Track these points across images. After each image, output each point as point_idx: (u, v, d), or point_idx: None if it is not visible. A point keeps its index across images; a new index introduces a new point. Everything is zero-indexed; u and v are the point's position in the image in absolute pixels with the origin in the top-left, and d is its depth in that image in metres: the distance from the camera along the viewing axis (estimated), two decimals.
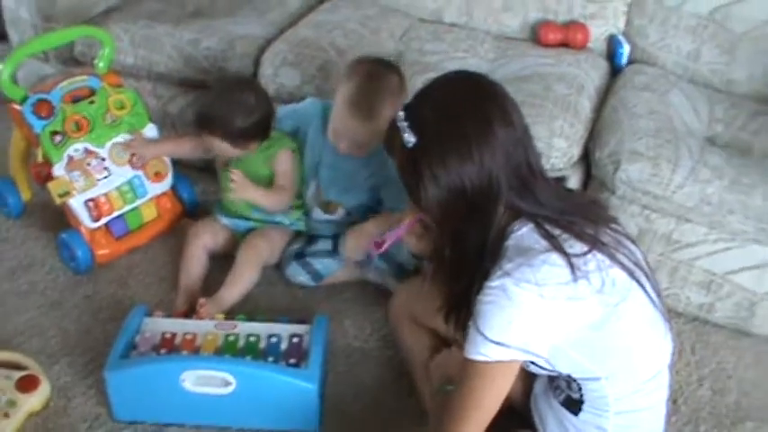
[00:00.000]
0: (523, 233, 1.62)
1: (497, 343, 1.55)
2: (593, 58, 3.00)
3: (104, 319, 2.48)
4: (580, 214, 1.69)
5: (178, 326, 2.25)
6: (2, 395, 2.13)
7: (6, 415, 2.09)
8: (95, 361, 2.30)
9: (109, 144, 2.63)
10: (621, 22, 3.07)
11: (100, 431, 2.14)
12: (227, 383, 2.05)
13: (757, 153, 2.58)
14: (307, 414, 2.11)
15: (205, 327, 2.24)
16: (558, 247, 1.58)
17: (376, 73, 2.39)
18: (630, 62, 3.06)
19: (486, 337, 1.55)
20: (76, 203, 2.57)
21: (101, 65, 2.70)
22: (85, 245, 2.61)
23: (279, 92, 2.80)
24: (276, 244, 2.66)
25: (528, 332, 1.56)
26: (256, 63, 2.91)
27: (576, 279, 1.55)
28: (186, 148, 2.70)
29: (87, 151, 2.59)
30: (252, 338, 2.20)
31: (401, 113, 1.66)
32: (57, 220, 2.72)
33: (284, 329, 2.23)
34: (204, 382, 2.06)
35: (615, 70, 3.04)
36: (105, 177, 2.62)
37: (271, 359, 2.13)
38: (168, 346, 2.18)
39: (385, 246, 1.96)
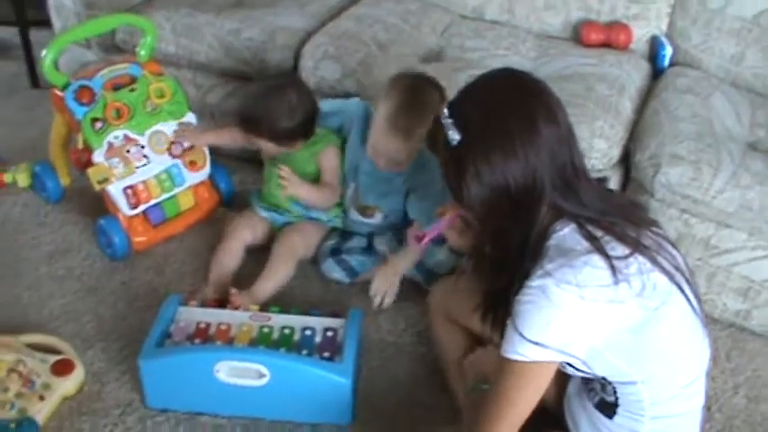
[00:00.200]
0: (565, 233, 1.60)
1: (535, 343, 1.54)
2: (635, 60, 2.97)
3: (140, 306, 2.49)
4: (622, 216, 1.67)
5: (212, 316, 2.25)
6: (37, 378, 2.16)
7: (42, 398, 2.12)
8: (129, 347, 2.32)
9: (149, 132, 2.65)
10: (664, 24, 3.04)
11: (133, 417, 2.15)
12: (262, 375, 2.06)
13: None
14: (340, 408, 2.11)
15: (240, 318, 2.25)
16: (599, 248, 1.56)
17: (417, 92, 2.35)
18: (672, 64, 3.03)
19: (524, 337, 1.54)
20: (115, 190, 2.59)
21: (142, 53, 2.72)
22: (123, 232, 2.62)
23: (319, 85, 2.80)
24: (311, 239, 2.66)
25: (566, 333, 1.55)
26: (297, 55, 2.91)
27: (616, 282, 1.54)
28: (229, 138, 2.71)
29: (127, 138, 2.61)
30: (286, 331, 2.20)
31: (445, 110, 1.65)
32: (95, 206, 2.74)
33: (318, 322, 2.23)
34: (238, 373, 2.07)
35: (657, 72, 3.01)
36: (144, 165, 2.64)
37: (305, 352, 2.13)
38: (202, 336, 2.19)
39: (425, 240, 1.96)
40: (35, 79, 3.67)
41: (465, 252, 1.95)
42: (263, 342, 2.16)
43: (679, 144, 2.46)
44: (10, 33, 3.89)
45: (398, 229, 2.61)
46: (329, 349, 2.15)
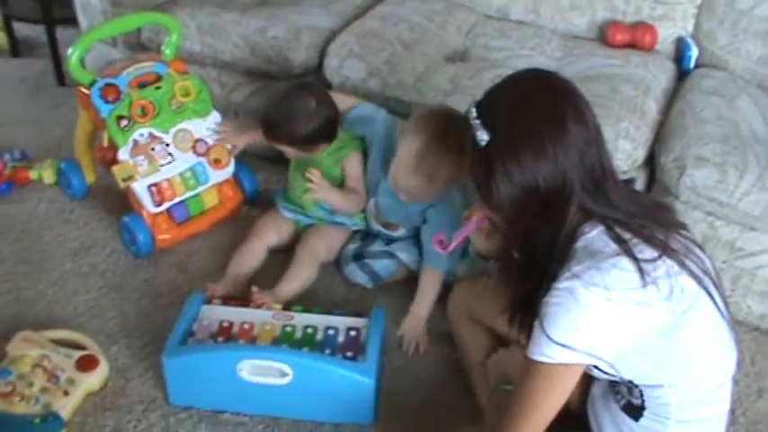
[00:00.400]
0: (593, 235, 1.60)
1: (562, 345, 1.54)
2: (660, 61, 2.95)
3: (163, 303, 2.50)
4: (650, 218, 1.66)
5: (235, 315, 2.26)
6: (62, 373, 2.17)
7: (66, 393, 2.13)
8: (153, 344, 2.33)
9: (173, 130, 2.66)
10: (690, 25, 3.02)
11: (156, 413, 2.16)
12: (284, 374, 2.06)
13: None
14: (362, 407, 2.11)
15: (262, 316, 2.25)
16: (628, 251, 1.56)
17: (445, 133, 2.26)
18: (698, 65, 3.01)
19: (551, 339, 1.54)
20: (139, 188, 2.60)
21: (167, 51, 2.73)
22: (147, 229, 2.64)
23: (344, 84, 2.81)
24: (333, 243, 2.66)
25: (594, 336, 1.55)
26: (322, 54, 2.91)
27: (644, 285, 1.53)
28: (258, 137, 2.69)
29: (152, 136, 2.62)
30: (309, 330, 2.20)
31: (473, 111, 1.64)
32: (119, 203, 2.75)
33: (341, 322, 2.23)
34: (261, 371, 2.07)
35: (682, 73, 2.99)
36: (169, 163, 2.64)
37: (328, 351, 2.13)
38: (225, 335, 2.19)
39: (451, 246, 1.95)
40: (61, 77, 3.69)
41: (491, 256, 1.94)
42: (286, 341, 2.17)
43: (704, 146, 2.44)
44: (36, 31, 3.90)
45: (419, 237, 2.58)
46: (352, 349, 2.15)
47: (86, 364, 2.20)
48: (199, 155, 2.71)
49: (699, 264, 1.65)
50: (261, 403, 2.14)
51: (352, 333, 2.20)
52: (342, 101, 2.62)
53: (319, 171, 2.49)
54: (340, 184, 2.60)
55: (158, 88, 2.64)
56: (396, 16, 3.06)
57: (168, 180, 2.65)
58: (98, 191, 2.93)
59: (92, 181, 2.93)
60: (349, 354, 2.13)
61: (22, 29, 3.97)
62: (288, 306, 2.33)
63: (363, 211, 2.65)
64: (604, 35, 3.05)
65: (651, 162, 2.62)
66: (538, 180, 1.56)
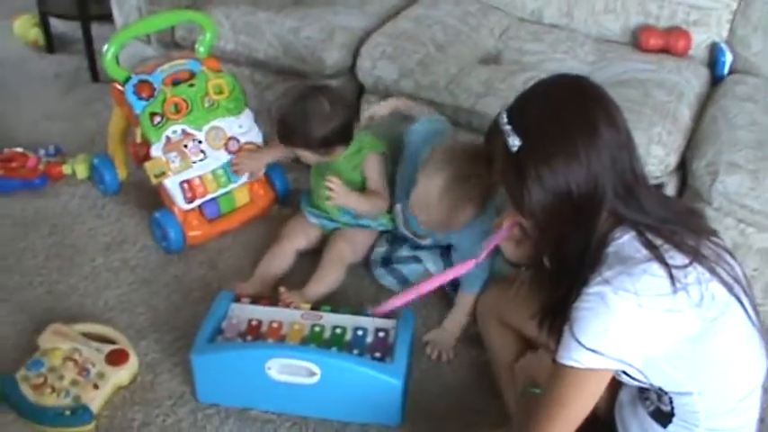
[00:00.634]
0: (625, 241, 1.59)
1: (591, 350, 1.53)
2: (694, 66, 2.93)
3: (193, 299, 2.52)
4: (682, 224, 1.65)
5: (264, 314, 2.26)
6: (92, 367, 2.19)
7: (96, 386, 2.15)
8: (182, 340, 2.34)
9: (206, 127, 2.67)
10: (725, 31, 2.99)
11: (184, 408, 2.18)
12: (313, 374, 2.06)
13: None
14: (390, 409, 2.12)
15: (291, 316, 2.26)
16: (659, 257, 1.55)
17: (466, 177, 2.22)
18: (732, 71, 2.98)
19: (580, 344, 1.53)
20: (171, 184, 2.62)
21: (201, 49, 2.74)
22: (178, 225, 2.65)
23: (376, 85, 2.82)
24: (360, 245, 2.66)
25: (623, 341, 1.54)
26: (355, 55, 2.92)
27: (675, 291, 1.53)
28: (280, 152, 2.73)
29: (185, 133, 2.63)
30: (338, 330, 2.20)
31: (504, 116, 1.64)
32: (151, 199, 2.77)
33: (370, 323, 2.23)
34: (289, 370, 2.08)
35: (716, 79, 2.97)
36: (201, 160, 2.66)
37: (356, 352, 2.13)
38: (254, 334, 2.20)
39: (482, 257, 1.95)
40: (95, 73, 3.71)
41: (522, 263, 1.94)
42: (315, 341, 2.17)
43: (737, 152, 2.42)
44: (72, 28, 3.94)
45: (447, 248, 2.57)
46: (380, 350, 2.15)
47: (116, 358, 2.22)
48: (231, 153, 2.72)
49: (729, 271, 1.64)
50: (289, 402, 2.14)
51: (381, 334, 2.20)
52: (410, 109, 2.63)
53: (339, 177, 2.49)
54: (361, 187, 2.59)
55: (192, 86, 2.66)
56: (429, 18, 3.06)
57: (200, 177, 2.66)
58: (130, 187, 2.95)
59: (124, 177, 2.95)
60: (377, 354, 2.13)
61: (58, 25, 4.00)
62: (316, 306, 2.33)
63: (389, 211, 2.64)
64: (638, 40, 3.03)
65: (683, 168, 2.60)
66: (570, 185, 1.56)
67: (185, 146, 2.63)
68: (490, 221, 2.09)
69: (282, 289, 2.40)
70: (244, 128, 2.75)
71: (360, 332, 2.20)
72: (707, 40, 3.01)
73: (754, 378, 1.70)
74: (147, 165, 2.58)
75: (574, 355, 1.55)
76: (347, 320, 2.24)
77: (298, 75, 2.98)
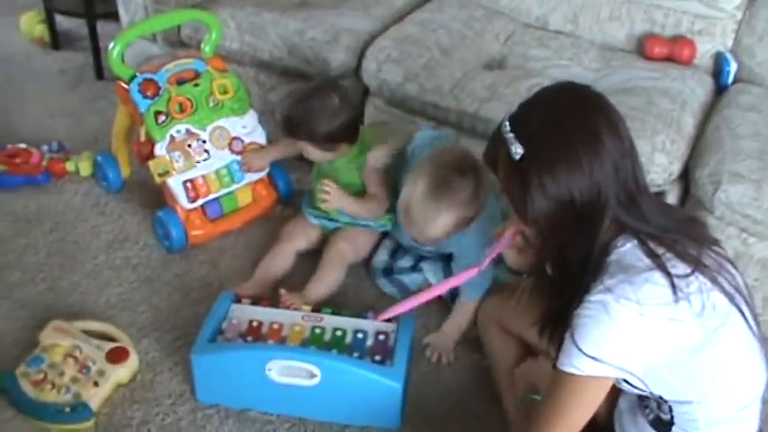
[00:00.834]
0: (627, 249, 1.60)
1: (592, 358, 1.54)
2: (698, 75, 2.93)
3: (194, 299, 2.52)
4: (683, 233, 1.66)
5: (265, 315, 2.26)
6: (92, 364, 2.19)
7: (96, 384, 2.15)
8: (183, 339, 2.35)
9: (210, 127, 2.68)
10: (730, 40, 3.00)
11: (184, 408, 2.18)
12: (313, 375, 2.07)
13: None
14: (389, 412, 2.12)
15: (292, 317, 2.26)
16: (661, 266, 1.55)
17: (452, 180, 2.23)
18: (736, 81, 2.98)
19: (581, 351, 1.54)
20: (175, 183, 2.62)
21: (206, 49, 2.75)
22: (180, 224, 2.65)
23: (381, 88, 2.82)
24: (361, 245, 2.66)
25: (624, 350, 1.54)
26: (360, 57, 2.92)
27: (677, 300, 1.53)
28: (284, 150, 2.74)
29: (189, 133, 2.64)
30: (338, 332, 2.20)
31: (506, 124, 1.64)
32: (154, 197, 2.78)
33: (370, 326, 2.23)
34: (290, 372, 2.08)
35: (720, 88, 2.97)
36: (205, 160, 2.66)
37: (356, 354, 2.13)
38: (255, 335, 2.20)
39: (484, 265, 1.95)
40: (100, 71, 3.71)
41: (524, 271, 1.94)
42: (315, 343, 2.17)
43: (740, 162, 2.42)
44: (78, 25, 3.95)
45: (448, 258, 2.56)
46: (381, 353, 2.15)
47: (117, 356, 2.22)
48: (235, 153, 2.72)
49: (731, 280, 1.64)
50: (288, 404, 2.15)
51: (381, 337, 2.20)
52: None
53: (338, 179, 2.50)
54: (361, 190, 2.60)
55: (197, 85, 2.66)
56: (435, 22, 3.06)
57: (203, 177, 2.67)
58: (133, 185, 2.95)
59: (127, 175, 2.96)
60: (377, 358, 2.13)
61: (63, 22, 4.00)
62: (317, 308, 2.33)
63: (390, 212, 2.63)
64: (642, 48, 3.03)
65: (685, 176, 2.60)
66: (573, 193, 1.56)
67: (189, 145, 2.64)
68: (491, 230, 2.09)
69: (283, 291, 2.40)
70: (248, 128, 2.76)
71: (360, 335, 2.20)
72: (712, 49, 3.01)
73: (754, 388, 1.71)
74: (151, 163, 2.59)
75: (574, 362, 1.56)
76: (348, 323, 2.24)
77: (302, 76, 2.97)
